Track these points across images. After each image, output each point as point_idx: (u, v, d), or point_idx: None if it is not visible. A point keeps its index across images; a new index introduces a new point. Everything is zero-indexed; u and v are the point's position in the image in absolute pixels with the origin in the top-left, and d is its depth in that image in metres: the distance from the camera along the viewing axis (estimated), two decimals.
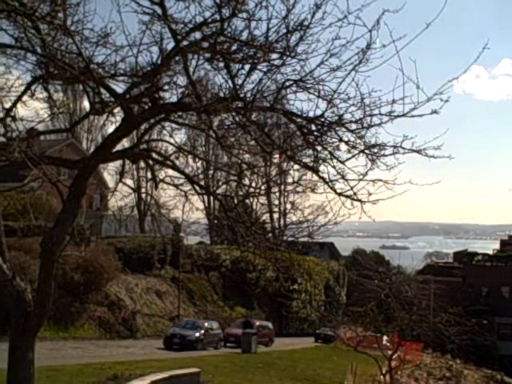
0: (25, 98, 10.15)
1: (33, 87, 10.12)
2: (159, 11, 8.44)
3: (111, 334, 34.46)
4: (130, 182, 58.09)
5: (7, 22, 9.01)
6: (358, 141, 8.74)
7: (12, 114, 10.14)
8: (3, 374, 10.32)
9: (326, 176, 9.15)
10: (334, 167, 9.03)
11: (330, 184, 9.13)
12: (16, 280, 10.02)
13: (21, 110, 10.41)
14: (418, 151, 8.40)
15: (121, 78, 9.42)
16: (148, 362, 24.90)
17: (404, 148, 8.47)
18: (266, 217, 70.38)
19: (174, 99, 9.42)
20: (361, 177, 8.79)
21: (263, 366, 29.08)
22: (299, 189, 56.22)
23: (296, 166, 10.00)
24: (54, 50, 8.85)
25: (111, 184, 62.07)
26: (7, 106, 10.25)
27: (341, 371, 31.26)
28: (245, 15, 8.13)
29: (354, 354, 29.56)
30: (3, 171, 10.54)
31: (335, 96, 8.40)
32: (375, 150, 8.70)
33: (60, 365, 21.08)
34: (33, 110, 10.87)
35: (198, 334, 34.85)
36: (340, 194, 9.06)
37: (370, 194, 8.82)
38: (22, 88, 10.13)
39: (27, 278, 20.15)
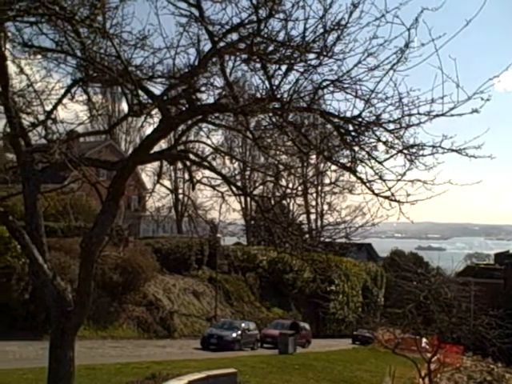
0: (65, 100, 10.34)
1: (73, 90, 10.29)
2: (196, 13, 8.48)
3: (149, 333, 34.76)
4: (167, 183, 58.62)
5: (48, 26, 9.18)
6: (396, 141, 8.64)
7: (53, 116, 10.33)
8: (44, 372, 10.51)
9: (363, 177, 9.08)
10: (371, 168, 8.94)
11: (367, 185, 9.04)
12: (56, 280, 10.19)
13: (61, 113, 10.60)
14: (458, 151, 8.26)
15: (158, 79, 9.50)
16: (185, 361, 25.04)
17: (443, 148, 8.34)
18: (302, 218, 70.28)
19: (211, 100, 9.47)
20: (399, 177, 8.69)
21: (300, 367, 28.98)
22: (336, 190, 55.91)
23: (333, 167, 9.94)
24: (94, 53, 8.97)
25: (149, 185, 62.70)
26: (48, 108, 10.44)
27: (379, 373, 30.96)
28: (282, 16, 8.12)
29: (393, 356, 29.19)
30: (44, 172, 10.72)
31: (373, 96, 8.32)
32: (414, 150, 8.59)
33: (99, 363, 21.36)
34: (73, 113, 11.07)
35: (234, 335, 34.91)
36: (378, 195, 8.97)
37: (408, 195, 8.72)
38: (63, 91, 10.32)
39: (67, 278, 20.53)
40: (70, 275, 23.92)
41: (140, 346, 30.92)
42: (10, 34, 9.98)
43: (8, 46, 10.12)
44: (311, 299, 52.63)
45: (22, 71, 10.34)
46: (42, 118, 10.49)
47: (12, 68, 10.30)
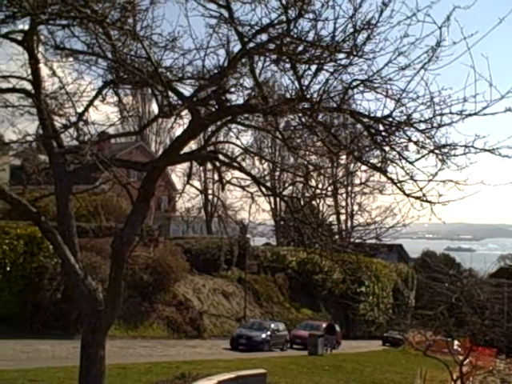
0: (96, 102, 10.46)
1: (104, 92, 10.40)
2: (226, 14, 8.49)
3: (179, 333, 34.93)
4: (197, 183, 58.97)
5: (79, 29, 9.30)
6: (428, 141, 8.55)
7: (84, 118, 10.45)
8: (76, 371, 10.63)
9: (394, 177, 9.00)
10: (402, 168, 8.86)
11: (398, 185, 8.96)
12: (88, 279, 10.30)
13: (92, 114, 10.72)
14: (491, 151, 8.12)
15: (188, 81, 9.54)
16: (215, 361, 25.11)
17: (476, 148, 8.22)
18: (332, 218, 69.86)
19: (241, 101, 9.47)
20: (430, 177, 8.58)
21: (330, 368, 28.85)
22: (367, 190, 55.42)
23: (363, 167, 9.88)
24: (124, 54, 9.05)
25: (179, 186, 63.20)
26: (80, 110, 10.57)
27: (409, 375, 30.65)
28: (311, 16, 8.08)
29: (424, 358, 28.86)
30: (76, 174, 10.85)
31: (403, 95, 8.24)
32: (445, 150, 8.48)
33: (129, 363, 21.53)
34: (104, 114, 11.18)
35: (264, 335, 34.90)
36: (409, 196, 8.88)
37: (440, 195, 8.61)
38: (94, 93, 10.44)
39: (98, 278, 20.76)
40: (101, 275, 24.16)
41: (170, 345, 31.09)
42: (42, 37, 10.15)
43: (40, 48, 10.29)
44: (341, 300, 52.33)
45: (54, 74, 10.49)
46: (73, 119, 10.63)
47: (44, 71, 10.47)
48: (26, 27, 9.85)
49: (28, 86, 10.62)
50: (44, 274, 27.44)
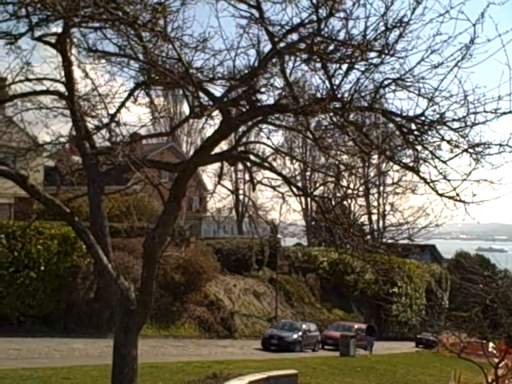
0: (128, 103, 10.55)
1: (135, 93, 10.49)
2: (256, 14, 8.48)
3: (210, 333, 35.07)
4: (228, 183, 59.20)
5: (111, 31, 9.38)
6: (461, 140, 8.41)
7: (116, 119, 10.55)
8: (109, 369, 10.74)
9: (427, 176, 8.88)
10: (435, 167, 8.74)
11: (431, 185, 8.84)
12: (120, 279, 10.39)
13: (124, 116, 10.83)
14: None
15: (219, 81, 9.55)
16: (246, 362, 25.14)
17: (511, 146, 8.07)
18: (364, 218, 69.40)
19: (272, 101, 9.45)
20: (464, 177, 8.45)
21: (362, 369, 28.65)
22: (399, 190, 54.95)
23: (395, 167, 9.77)
24: (156, 56, 9.10)
25: (210, 186, 63.49)
26: (112, 111, 10.67)
27: (443, 378, 30.25)
28: (342, 14, 8.03)
29: (458, 360, 28.44)
30: (108, 174, 10.96)
31: (436, 94, 8.12)
32: (479, 149, 8.33)
33: (161, 362, 21.69)
34: (135, 115, 11.27)
35: (295, 336, 34.82)
36: (442, 195, 8.75)
37: (474, 195, 8.46)
38: (126, 94, 10.53)
39: (131, 278, 20.94)
40: (133, 275, 24.39)
41: (201, 345, 31.24)
42: (75, 40, 10.29)
43: (74, 51, 10.43)
44: (373, 301, 51.91)
45: (86, 76, 10.62)
46: (106, 121, 10.74)
47: (77, 73, 10.60)
48: (60, 30, 9.99)
49: (61, 88, 10.77)
50: (77, 274, 27.83)
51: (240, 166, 12.85)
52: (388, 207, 68.82)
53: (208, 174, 65.81)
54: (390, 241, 53.47)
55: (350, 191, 12.00)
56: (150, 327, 30.30)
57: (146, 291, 10.35)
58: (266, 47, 8.84)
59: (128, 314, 10.24)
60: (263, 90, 9.34)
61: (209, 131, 10.95)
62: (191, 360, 23.73)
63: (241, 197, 61.46)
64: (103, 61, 9.81)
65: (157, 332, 31.29)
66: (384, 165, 38.16)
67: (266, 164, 11.08)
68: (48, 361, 20.45)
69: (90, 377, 17.12)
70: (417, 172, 9.04)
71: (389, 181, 52.89)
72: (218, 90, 9.64)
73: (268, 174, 11.62)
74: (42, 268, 26.61)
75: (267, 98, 9.57)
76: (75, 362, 20.44)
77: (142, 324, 10.69)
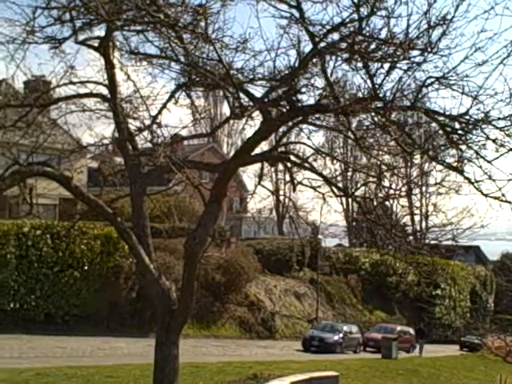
0: (169, 105, 10.64)
1: (176, 94, 10.57)
2: (297, 14, 8.45)
3: (251, 333, 35.11)
4: (268, 184, 59.11)
5: (153, 34, 9.48)
6: (507, 138, 8.22)
7: (158, 120, 10.66)
8: (151, 368, 10.85)
9: (471, 176, 8.71)
10: (480, 167, 8.57)
11: (475, 185, 8.67)
12: (162, 279, 10.49)
13: (166, 117, 10.93)
14: None
15: (259, 82, 9.56)
16: (287, 363, 25.07)
17: None
18: (406, 219, 68.52)
19: (312, 101, 9.41)
20: (510, 177, 8.26)
21: (404, 372, 28.26)
22: (442, 190, 53.90)
23: (439, 167, 9.61)
24: (196, 58, 9.16)
25: (250, 187, 63.59)
26: (153, 113, 10.79)
27: (488, 382, 29.61)
28: (384, 13, 7.94)
29: (503, 364, 27.94)
30: (150, 175, 11.07)
31: (481, 92, 7.96)
32: None
33: (202, 362, 21.78)
34: (176, 117, 11.37)
35: (336, 337, 34.60)
36: (487, 196, 8.57)
37: None
38: (167, 96, 10.63)
39: (172, 278, 21.14)
40: (175, 275, 24.60)
41: (242, 345, 31.29)
42: (117, 43, 10.43)
43: (116, 54, 10.58)
44: (416, 303, 51.19)
45: (129, 78, 10.76)
46: (147, 122, 10.86)
47: (120, 75, 10.74)
48: (102, 34, 10.14)
49: (104, 91, 10.94)
50: (120, 274, 28.19)
51: (280, 167, 12.83)
52: (431, 208, 67.69)
53: (248, 174, 65.83)
54: (433, 242, 52.53)
55: (391, 191, 11.86)
56: (191, 327, 30.50)
57: (187, 291, 10.42)
58: (307, 47, 8.82)
59: (169, 314, 10.33)
60: (304, 90, 9.31)
61: (249, 132, 10.98)
62: (232, 360, 23.77)
63: (281, 197, 61.32)
64: (145, 63, 9.94)
65: (198, 332, 31.47)
66: (427, 165, 37.62)
67: (306, 164, 11.02)
68: (91, 359, 20.78)
69: (133, 375, 17.31)
70: (461, 172, 8.88)
71: (432, 181, 51.94)
72: (258, 91, 9.66)
73: (308, 174, 11.56)
74: (86, 268, 27.05)
75: (308, 99, 9.55)
76: (118, 360, 20.70)
77: (183, 324, 10.77)
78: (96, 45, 10.30)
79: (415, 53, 8.12)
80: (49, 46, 9.64)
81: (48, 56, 9.82)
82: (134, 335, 27.10)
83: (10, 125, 10.68)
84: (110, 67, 10.52)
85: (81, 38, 9.94)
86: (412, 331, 43.56)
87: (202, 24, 8.83)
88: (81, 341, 24.54)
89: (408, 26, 7.75)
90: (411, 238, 61.27)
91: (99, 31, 10.26)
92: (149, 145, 11.15)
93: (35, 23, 9.06)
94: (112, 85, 10.72)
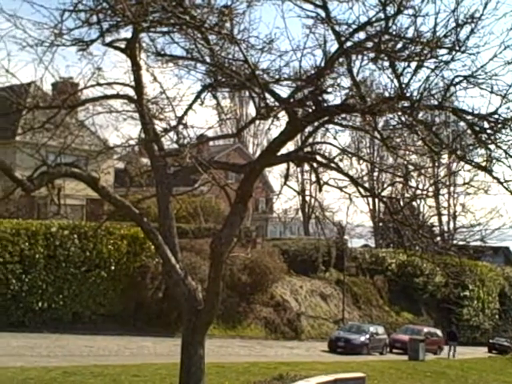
0: (195, 106, 10.66)
1: (202, 95, 10.60)
2: (322, 14, 8.43)
3: (276, 334, 35.07)
4: (294, 184, 59.11)
5: (179, 35, 9.52)
6: None
7: (184, 121, 10.69)
8: (177, 368, 10.90)
9: (500, 176, 8.61)
10: (509, 167, 8.47)
11: (504, 185, 8.56)
12: (188, 279, 10.53)
13: (191, 118, 10.95)
14: None
15: (285, 82, 9.54)
16: (312, 363, 24.98)
17: None
18: (434, 219, 67.78)
19: (338, 101, 9.37)
20: None
21: (431, 374, 27.95)
22: (470, 190, 53.16)
23: (467, 167, 9.47)
24: (222, 58, 9.17)
25: (276, 187, 63.56)
26: (179, 114, 10.82)
27: None
28: (411, 11, 7.90)
29: None
30: (176, 176, 11.12)
31: (510, 91, 7.86)
32: None
33: (228, 362, 21.82)
34: (202, 117, 11.39)
35: (363, 339, 34.39)
36: None
37: None
38: (193, 97, 10.66)
39: (198, 278, 21.21)
40: (201, 275, 24.67)
41: (267, 346, 31.27)
42: (144, 45, 10.50)
43: (142, 55, 10.64)
44: (443, 304, 50.65)
45: (155, 79, 10.81)
46: (173, 123, 10.90)
47: (146, 77, 10.81)
48: (129, 35, 10.21)
49: (131, 92, 11.01)
50: (146, 274, 28.38)
51: (306, 167, 12.82)
52: (459, 208, 66.88)
53: (274, 175, 66.00)
54: (461, 243, 51.90)
55: (419, 192, 11.76)
56: (216, 327, 30.56)
57: (213, 291, 10.44)
58: (333, 47, 8.79)
59: (195, 314, 10.37)
60: (330, 90, 9.27)
61: (275, 132, 10.95)
62: (257, 361, 23.77)
63: (307, 198, 61.15)
64: (171, 64, 9.98)
65: (223, 332, 31.54)
66: (455, 164, 37.11)
67: (332, 164, 10.96)
68: (118, 358, 20.95)
69: (159, 375, 17.41)
70: (490, 172, 8.77)
71: (460, 181, 51.22)
72: (284, 91, 9.64)
73: (335, 174, 11.51)
74: (113, 268, 27.30)
75: (334, 98, 9.51)
76: (144, 360, 20.85)
77: (208, 324, 10.80)
78: (123, 46, 10.37)
79: (443, 51, 8.05)
80: (76, 49, 9.75)
81: (76, 58, 9.93)
82: (160, 335, 27.26)
83: (38, 126, 10.82)
84: (136, 69, 10.59)
85: (108, 39, 10.03)
86: (439, 333, 43.10)
87: (228, 25, 8.85)
88: (108, 340, 24.77)
89: (435, 24, 7.69)
90: (439, 238, 60.61)
91: (126, 33, 10.35)
92: (175, 146, 11.19)
93: (63, 26, 9.16)
94: (138, 86, 10.78)
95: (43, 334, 24.15)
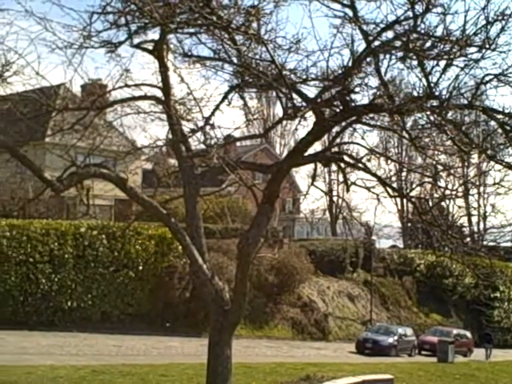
0: (222, 106, 10.67)
1: (229, 96, 10.60)
2: (350, 13, 8.37)
3: (303, 335, 34.97)
4: (321, 185, 58.77)
5: (206, 36, 9.55)
6: None
7: (211, 122, 10.71)
8: (204, 368, 10.92)
9: None
10: None
11: None
12: (215, 279, 10.55)
13: (219, 118, 10.97)
14: None
15: (312, 82, 9.50)
16: (340, 365, 24.86)
17: None
18: (463, 220, 67.00)
19: (366, 101, 9.30)
20: None
21: (461, 377, 27.61)
22: (501, 190, 52.43)
23: (497, 166, 9.32)
24: (249, 59, 9.16)
25: (303, 187, 63.35)
26: (206, 114, 10.85)
27: None
28: (439, 9, 7.81)
29: None
30: (203, 176, 11.15)
31: None
32: None
33: (255, 362, 21.82)
34: (229, 118, 11.40)
35: (391, 340, 34.11)
36: None
37: None
38: (220, 97, 10.67)
39: (225, 278, 21.24)
40: (228, 275, 24.71)
41: (294, 346, 31.21)
42: (171, 46, 10.55)
43: (170, 56, 10.70)
44: (473, 306, 50.00)
45: (182, 80, 10.87)
46: (201, 124, 10.93)
47: (174, 78, 10.86)
48: (157, 37, 10.28)
49: (158, 93, 11.08)
50: (174, 274, 28.54)
51: (334, 167, 12.73)
52: (489, 208, 66.00)
53: (301, 175, 65.65)
54: (491, 243, 51.37)
55: (448, 192, 11.65)
56: (243, 327, 30.59)
57: (240, 292, 10.44)
58: (360, 46, 8.73)
59: (222, 314, 10.38)
60: (357, 89, 9.21)
61: (302, 132, 10.91)
62: (284, 361, 23.74)
63: (334, 198, 60.86)
64: (198, 65, 10.01)
65: (250, 332, 31.55)
66: (485, 164, 36.71)
67: (360, 165, 10.88)
68: (146, 358, 21.11)
69: (186, 374, 17.49)
70: None
71: (490, 181, 50.55)
72: (311, 91, 9.60)
73: (362, 174, 11.42)
74: (141, 268, 27.50)
75: (361, 98, 9.44)
76: (172, 359, 20.96)
77: (235, 324, 10.80)
78: (150, 48, 10.44)
79: (472, 50, 7.95)
80: (105, 50, 9.85)
81: (104, 60, 10.03)
82: (187, 335, 27.40)
83: (67, 128, 10.96)
84: (163, 70, 10.65)
85: (136, 41, 10.11)
86: (469, 335, 42.55)
87: (255, 25, 8.84)
88: (135, 339, 24.96)
89: (465, 22, 7.60)
90: (468, 239, 60.02)
91: (153, 34, 10.42)
92: (202, 146, 11.22)
93: (92, 28, 9.26)
94: (166, 87, 10.84)
95: (72, 333, 24.45)
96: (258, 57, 9.18)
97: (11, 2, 8.98)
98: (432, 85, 8.26)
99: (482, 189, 60.17)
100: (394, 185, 13.00)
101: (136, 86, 10.92)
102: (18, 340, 21.36)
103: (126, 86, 10.75)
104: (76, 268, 25.91)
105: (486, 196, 65.11)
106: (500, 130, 8.60)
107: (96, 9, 9.18)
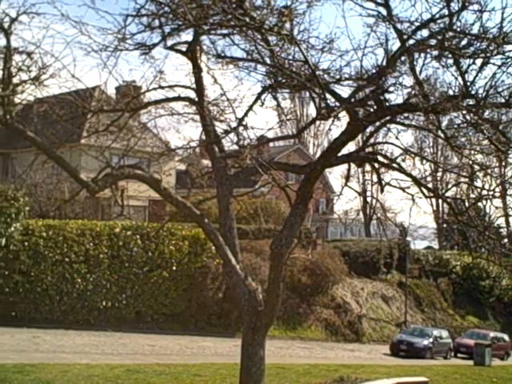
0: (255, 107, 10.68)
1: (263, 97, 10.61)
2: (384, 12, 8.30)
3: (337, 336, 34.80)
4: (355, 185, 58.43)
5: (239, 37, 9.57)
6: None
7: (244, 123, 10.73)
8: (237, 368, 10.94)
9: None
10: None
11: None
12: (248, 280, 10.55)
13: (252, 119, 10.99)
14: None
15: (346, 82, 9.44)
16: (374, 367, 24.66)
17: None
18: (501, 221, 65.87)
19: (400, 100, 9.21)
20: None
21: (498, 380, 27.12)
22: None
23: None
24: (282, 59, 9.15)
25: (337, 188, 63.16)
26: (240, 115, 10.88)
27: None
28: (476, 7, 7.69)
29: None
30: (236, 177, 11.18)
31: None
32: None
33: (288, 363, 21.77)
34: (263, 119, 11.40)
35: (426, 342, 33.70)
36: None
37: None
38: (253, 98, 10.69)
39: (258, 279, 21.28)
40: (261, 276, 24.73)
41: (328, 348, 31.07)
42: (204, 47, 10.61)
43: (203, 58, 10.76)
44: (510, 309, 49.15)
45: (215, 81, 10.91)
46: (234, 125, 10.97)
47: (207, 79, 10.92)
48: (190, 38, 10.34)
49: (192, 94, 11.15)
50: (207, 274, 28.64)
51: (368, 168, 12.65)
52: None
53: (335, 175, 65.60)
54: None
55: (484, 192, 11.43)
56: (276, 328, 30.58)
57: (273, 292, 10.42)
58: (395, 45, 8.65)
59: (255, 315, 10.38)
60: (392, 89, 9.11)
61: (336, 133, 10.84)
62: (318, 363, 23.63)
63: (368, 199, 60.48)
64: (231, 66, 10.03)
65: (284, 333, 31.52)
66: None
67: (394, 165, 10.77)
68: (179, 357, 21.22)
69: (219, 374, 17.53)
70: None
71: None
72: (344, 91, 9.55)
73: (397, 175, 11.30)
74: (174, 268, 27.67)
75: (396, 98, 9.36)
76: (205, 359, 21.05)
77: (269, 325, 10.78)
78: (184, 49, 10.52)
79: (510, 47, 7.81)
80: (139, 53, 9.95)
81: (138, 62, 10.16)
82: (220, 335, 27.50)
83: (102, 129, 11.10)
84: (197, 71, 10.71)
85: (169, 43, 10.20)
86: (506, 337, 41.78)
87: (288, 25, 8.82)
88: (169, 339, 25.14)
89: (502, 19, 7.46)
90: (506, 240, 58.98)
91: (187, 36, 10.49)
92: (235, 147, 11.25)
93: (126, 31, 9.37)
94: (199, 88, 10.91)
95: (107, 333, 24.74)
96: (291, 57, 9.17)
97: (48, 6, 9.14)
98: (468, 83, 8.14)
99: None
100: (430, 185, 12.82)
101: (170, 87, 11.00)
102: (55, 339, 21.70)
103: (160, 87, 10.84)
104: (111, 268, 26.21)
105: None
106: None
107: (130, 12, 9.29)
